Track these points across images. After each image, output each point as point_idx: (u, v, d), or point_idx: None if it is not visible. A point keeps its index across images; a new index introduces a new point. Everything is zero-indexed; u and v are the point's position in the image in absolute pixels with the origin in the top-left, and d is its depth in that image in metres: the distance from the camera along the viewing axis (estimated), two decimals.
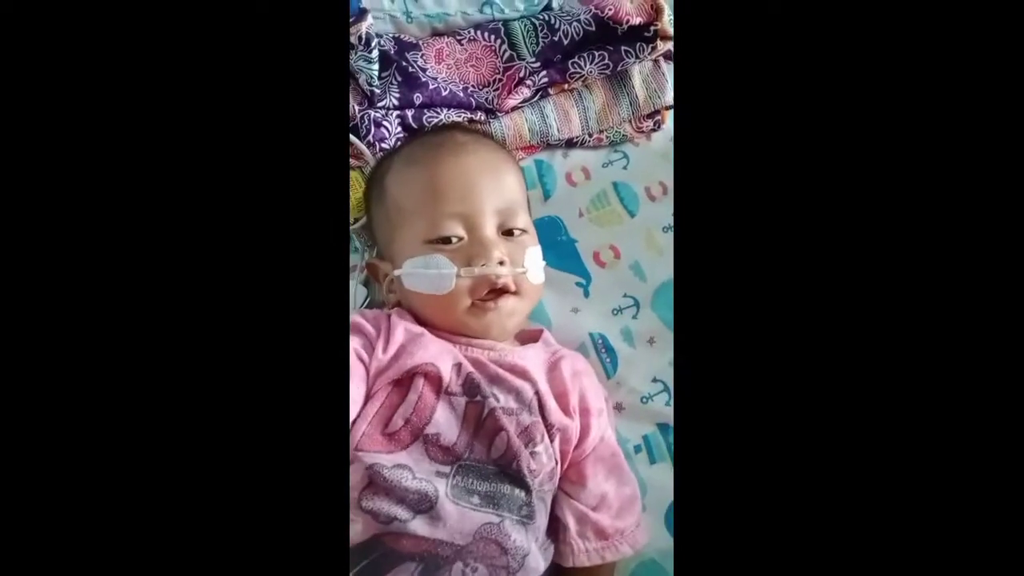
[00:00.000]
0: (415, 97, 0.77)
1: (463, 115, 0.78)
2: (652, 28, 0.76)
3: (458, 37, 0.81)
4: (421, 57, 0.79)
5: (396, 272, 0.63)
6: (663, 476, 0.67)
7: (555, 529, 0.60)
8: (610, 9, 0.76)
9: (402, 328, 0.60)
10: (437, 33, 0.83)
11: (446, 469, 0.55)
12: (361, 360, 0.57)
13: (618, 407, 0.70)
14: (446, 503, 0.53)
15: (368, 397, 0.57)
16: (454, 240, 0.62)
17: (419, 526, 0.52)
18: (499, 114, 0.78)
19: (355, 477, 0.54)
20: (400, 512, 0.52)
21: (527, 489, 0.56)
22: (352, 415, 0.55)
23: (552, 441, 0.59)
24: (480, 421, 0.57)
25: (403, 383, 0.57)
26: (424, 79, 0.78)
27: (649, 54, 0.77)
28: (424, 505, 0.53)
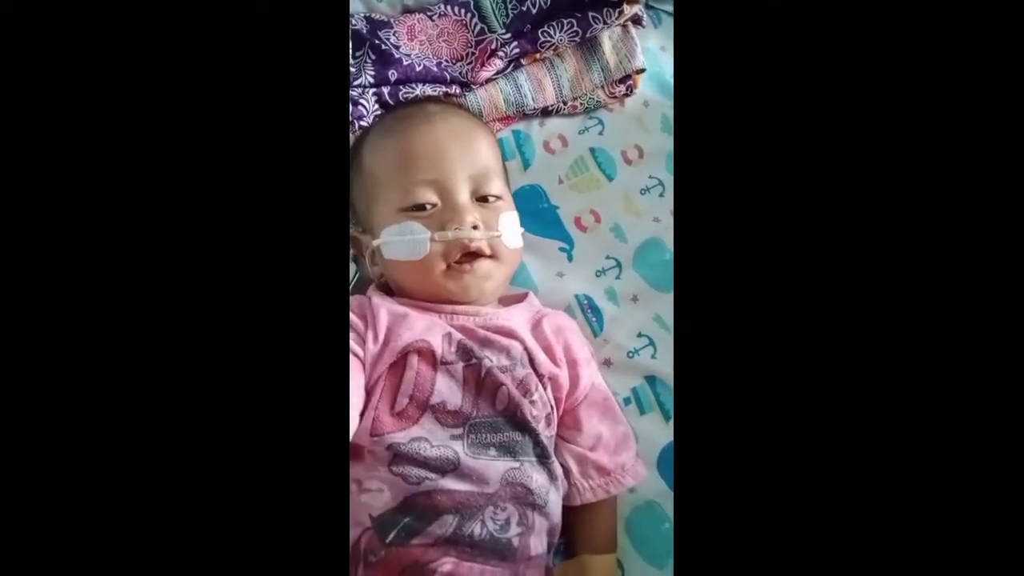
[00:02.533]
0: (390, 74, 0.78)
1: (438, 89, 0.79)
2: None
3: (429, 13, 0.82)
4: (393, 35, 0.80)
5: (375, 243, 0.65)
6: (653, 426, 0.70)
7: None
8: None
9: (385, 311, 0.61)
10: (408, 10, 0.84)
11: (459, 431, 0.57)
12: (356, 355, 0.58)
13: (606, 363, 0.73)
14: (467, 460, 0.56)
15: (369, 387, 0.58)
16: (428, 207, 0.63)
17: (449, 482, 0.55)
18: (474, 87, 0.80)
19: (379, 455, 0.56)
20: (428, 473, 0.55)
21: (534, 432, 0.59)
22: (359, 408, 0.57)
23: (545, 389, 0.62)
24: (480, 381, 0.59)
25: (398, 364, 0.59)
26: (398, 56, 0.79)
27: (616, 19, 0.79)
28: (448, 467, 0.56)
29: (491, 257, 0.64)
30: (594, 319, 0.74)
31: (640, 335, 0.74)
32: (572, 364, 0.65)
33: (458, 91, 0.80)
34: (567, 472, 0.63)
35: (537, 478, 0.58)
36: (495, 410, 0.59)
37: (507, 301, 0.71)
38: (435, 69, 0.79)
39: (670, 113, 0.83)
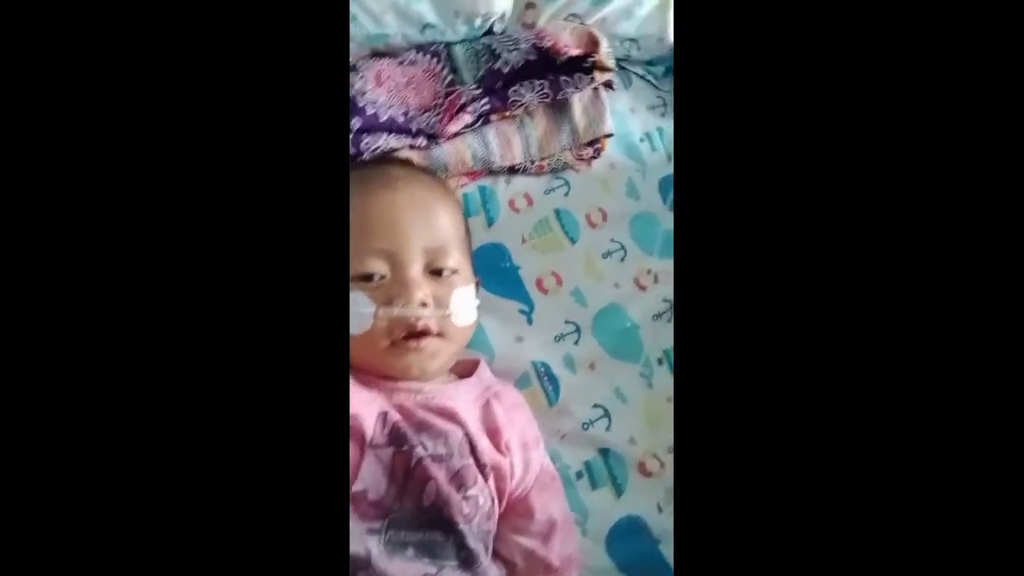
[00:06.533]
0: (353, 122, 0.75)
1: (403, 141, 0.77)
2: (590, 60, 0.77)
3: (399, 59, 0.80)
4: (360, 79, 0.77)
5: None
6: (604, 501, 0.70)
7: (503, 566, 0.61)
8: (549, 40, 0.77)
9: None
10: (377, 54, 0.81)
11: (377, 525, 0.54)
12: None
13: (560, 434, 0.72)
14: (380, 561, 0.52)
15: None
16: (376, 277, 0.61)
17: None
18: (440, 140, 0.78)
19: None
20: None
21: (459, 534, 0.55)
22: None
23: (487, 480, 0.58)
24: (408, 472, 0.55)
25: None
26: (362, 104, 0.76)
27: (588, 84, 0.78)
28: (358, 565, 0.51)
29: (439, 335, 0.61)
30: (551, 387, 0.73)
31: (596, 405, 0.73)
32: (525, 447, 0.63)
33: (424, 143, 0.78)
34: (512, 567, 0.60)
35: None
36: (420, 505, 0.55)
37: (458, 369, 0.68)
38: (400, 119, 0.77)
39: (635, 176, 0.84)
